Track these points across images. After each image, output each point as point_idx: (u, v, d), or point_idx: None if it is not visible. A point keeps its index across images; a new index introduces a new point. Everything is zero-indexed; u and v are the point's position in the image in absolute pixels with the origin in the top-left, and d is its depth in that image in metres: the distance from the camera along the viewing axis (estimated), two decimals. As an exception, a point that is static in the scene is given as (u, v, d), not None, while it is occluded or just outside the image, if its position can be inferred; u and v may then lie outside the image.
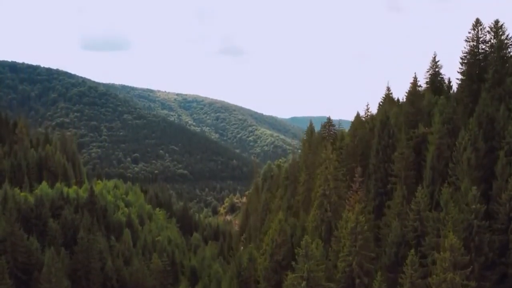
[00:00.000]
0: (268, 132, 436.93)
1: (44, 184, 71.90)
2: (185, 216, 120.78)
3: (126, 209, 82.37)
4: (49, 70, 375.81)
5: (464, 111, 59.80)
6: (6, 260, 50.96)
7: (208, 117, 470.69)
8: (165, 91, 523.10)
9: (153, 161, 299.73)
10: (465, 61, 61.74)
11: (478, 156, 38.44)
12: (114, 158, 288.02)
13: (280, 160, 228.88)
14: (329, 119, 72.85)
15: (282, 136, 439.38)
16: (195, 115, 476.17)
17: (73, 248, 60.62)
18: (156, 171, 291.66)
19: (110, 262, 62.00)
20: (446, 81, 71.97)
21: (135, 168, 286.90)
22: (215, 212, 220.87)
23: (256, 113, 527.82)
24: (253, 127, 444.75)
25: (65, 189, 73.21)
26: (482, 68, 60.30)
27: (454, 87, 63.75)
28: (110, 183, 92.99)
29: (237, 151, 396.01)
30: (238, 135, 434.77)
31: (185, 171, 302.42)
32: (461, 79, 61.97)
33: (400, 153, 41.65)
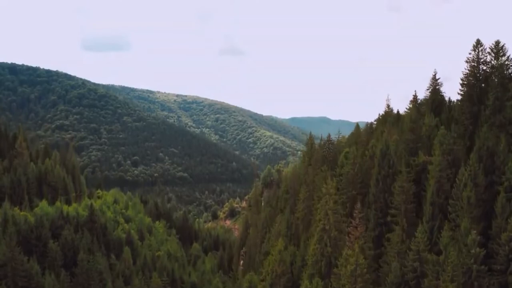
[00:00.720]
0: (268, 133, 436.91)
1: (43, 202, 71.84)
2: (185, 226, 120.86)
3: (126, 225, 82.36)
4: (48, 71, 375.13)
5: (465, 132, 60.00)
6: (7, 285, 50.97)
7: (207, 119, 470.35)
8: (164, 92, 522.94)
9: (153, 164, 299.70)
10: (465, 83, 61.88)
11: (478, 192, 38.46)
12: (114, 161, 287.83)
13: (280, 164, 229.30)
14: (328, 137, 72.78)
15: (281, 138, 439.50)
16: (194, 116, 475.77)
17: (74, 270, 60.55)
18: (155, 174, 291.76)
19: (110, 283, 62.03)
20: (447, 97, 72.52)
21: (135, 171, 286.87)
22: (215, 216, 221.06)
23: (255, 114, 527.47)
24: (253, 128, 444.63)
25: (65, 207, 73.15)
26: (482, 90, 60.43)
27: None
28: (110, 197, 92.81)
29: (237, 152, 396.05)
30: (238, 137, 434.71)
31: (185, 174, 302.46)
32: (461, 100, 62.16)
33: (400, 186, 41.65)
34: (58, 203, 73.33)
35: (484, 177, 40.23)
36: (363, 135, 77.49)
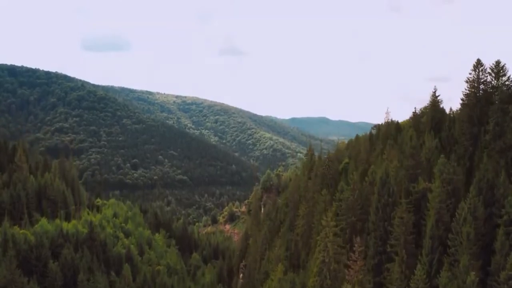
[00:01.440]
0: (268, 135, 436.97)
1: (43, 220, 71.85)
2: (185, 235, 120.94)
3: (125, 239, 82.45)
4: (48, 73, 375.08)
5: (464, 153, 60.04)
6: (7, 308, 51.01)
7: (207, 120, 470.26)
8: (164, 93, 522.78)
9: (152, 167, 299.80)
10: (466, 103, 61.91)
11: (478, 226, 38.50)
12: (113, 164, 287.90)
13: (279, 169, 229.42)
14: (328, 156, 72.72)
15: (281, 139, 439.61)
16: (194, 117, 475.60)
17: (73, 290, 60.70)
18: (155, 177, 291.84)
19: (110, 302, 62.15)
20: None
21: (134, 174, 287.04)
22: (214, 221, 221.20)
23: (255, 115, 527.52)
24: (252, 130, 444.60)
25: (65, 225, 73.18)
26: (483, 111, 60.44)
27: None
28: (109, 211, 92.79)
29: (236, 154, 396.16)
30: (237, 138, 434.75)
31: (184, 177, 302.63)
32: (462, 121, 62.21)
33: (400, 217, 41.71)
34: (57, 221, 73.29)
35: (483, 209, 40.30)
36: (362, 150, 77.41)
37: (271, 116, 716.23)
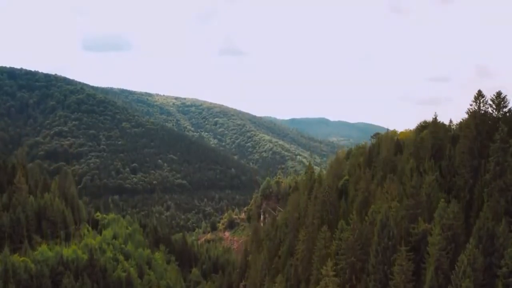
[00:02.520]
0: (267, 137, 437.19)
1: (43, 246, 71.96)
2: (184, 249, 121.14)
3: (125, 262, 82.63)
4: (47, 76, 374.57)
5: (465, 185, 60.13)
6: None
7: (206, 122, 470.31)
8: (163, 95, 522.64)
9: (152, 171, 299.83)
10: (466, 135, 61.99)
11: (477, 278, 38.62)
12: (112, 169, 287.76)
13: (279, 176, 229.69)
14: (329, 186, 72.76)
15: (280, 142, 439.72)
16: (193, 119, 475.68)
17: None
18: (154, 182, 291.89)
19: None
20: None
21: (134, 179, 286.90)
22: (214, 227, 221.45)
23: (254, 117, 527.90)
24: (252, 132, 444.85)
25: (65, 251, 73.29)
26: (483, 144, 60.51)
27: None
28: (109, 232, 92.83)
29: (236, 157, 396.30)
30: (237, 141, 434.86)
31: (184, 181, 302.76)
32: (462, 152, 62.29)
33: (399, 265, 41.80)
34: (57, 248, 73.39)
35: (483, 258, 40.42)
36: (363, 178, 77.19)
37: (270, 117, 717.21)
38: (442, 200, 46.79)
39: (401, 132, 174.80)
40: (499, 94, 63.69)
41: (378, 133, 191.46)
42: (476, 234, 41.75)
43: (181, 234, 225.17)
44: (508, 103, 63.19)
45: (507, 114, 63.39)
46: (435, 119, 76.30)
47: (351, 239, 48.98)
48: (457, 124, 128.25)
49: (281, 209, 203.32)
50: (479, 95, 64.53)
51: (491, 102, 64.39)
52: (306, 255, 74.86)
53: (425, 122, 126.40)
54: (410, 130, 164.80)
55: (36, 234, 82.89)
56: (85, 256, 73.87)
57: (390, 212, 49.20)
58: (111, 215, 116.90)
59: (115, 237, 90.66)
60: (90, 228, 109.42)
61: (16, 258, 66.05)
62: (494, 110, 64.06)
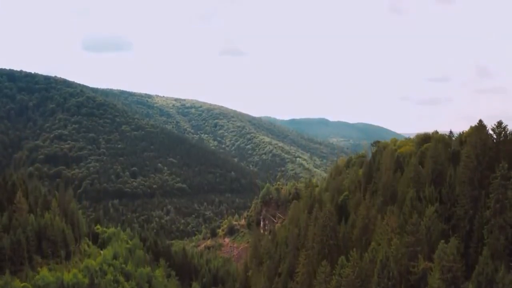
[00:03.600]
0: (267, 139, 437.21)
1: (44, 270, 72.03)
2: (184, 262, 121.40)
3: (126, 284, 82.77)
4: (47, 78, 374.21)
5: (465, 215, 60.28)
6: None
7: (206, 124, 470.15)
8: (163, 96, 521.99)
9: (152, 175, 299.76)
10: (467, 165, 62.04)
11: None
12: (112, 173, 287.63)
13: (279, 182, 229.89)
14: (329, 211, 72.81)
15: (280, 144, 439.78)
16: (193, 121, 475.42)
17: None
18: (154, 186, 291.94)
19: None
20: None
21: (134, 183, 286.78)
22: (213, 234, 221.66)
23: (254, 118, 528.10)
24: (252, 134, 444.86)
25: (66, 276, 73.36)
26: (483, 175, 60.57)
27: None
28: (109, 252, 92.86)
29: (236, 160, 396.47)
30: (237, 143, 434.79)
31: (184, 185, 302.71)
32: (462, 181, 62.38)
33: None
34: (58, 274, 73.47)
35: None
36: (363, 204, 77.04)
37: (270, 117, 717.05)
38: (442, 241, 46.67)
39: (402, 141, 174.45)
40: (500, 123, 63.82)
41: (378, 142, 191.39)
42: (475, 279, 41.83)
43: (181, 244, 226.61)
44: (509, 133, 63.51)
45: (508, 138, 63.77)
46: (436, 144, 76.06)
47: (351, 277, 49.03)
48: (457, 135, 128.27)
49: (281, 216, 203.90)
50: (480, 125, 64.65)
51: (492, 132, 64.77)
52: (306, 279, 75.12)
53: (425, 134, 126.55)
54: (410, 140, 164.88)
55: (37, 254, 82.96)
56: (86, 280, 73.96)
57: (390, 250, 49.20)
58: (111, 229, 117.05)
59: (115, 256, 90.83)
60: (90, 243, 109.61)
61: (17, 284, 66.12)
62: (495, 139, 64.38)
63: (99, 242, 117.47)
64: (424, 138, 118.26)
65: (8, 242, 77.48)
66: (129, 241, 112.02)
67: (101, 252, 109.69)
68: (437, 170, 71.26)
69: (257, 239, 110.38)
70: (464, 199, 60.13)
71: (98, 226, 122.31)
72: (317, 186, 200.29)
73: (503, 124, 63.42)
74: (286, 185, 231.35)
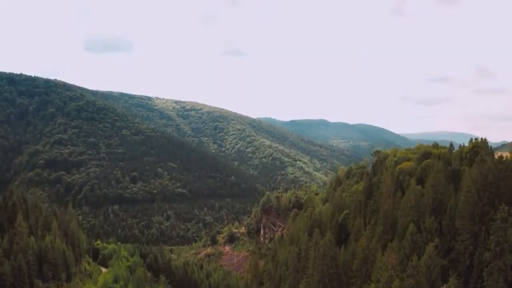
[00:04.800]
0: (267, 142, 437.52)
1: (45, 299, 72.38)
2: (185, 278, 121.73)
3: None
4: (47, 82, 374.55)
5: (465, 250, 60.45)
6: None
7: (206, 127, 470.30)
8: (163, 99, 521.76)
9: (152, 180, 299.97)
10: (468, 200, 62.19)
11: None
12: (112, 178, 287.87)
13: (279, 190, 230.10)
14: (329, 240, 72.78)
15: (280, 147, 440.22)
16: (193, 124, 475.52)
17: None
18: (154, 191, 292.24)
19: None
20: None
21: (134, 188, 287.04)
22: (214, 241, 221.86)
23: (254, 121, 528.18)
24: (252, 137, 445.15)
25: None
26: (484, 211, 60.72)
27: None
28: (109, 276, 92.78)
29: (236, 163, 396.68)
30: (237, 146, 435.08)
31: (184, 190, 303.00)
32: (462, 216, 62.52)
33: None
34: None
35: None
36: (363, 228, 77.46)
37: (270, 118, 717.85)
38: (444, 286, 46.81)
39: (402, 151, 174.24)
40: (500, 158, 63.98)
41: (378, 152, 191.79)
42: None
43: (182, 252, 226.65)
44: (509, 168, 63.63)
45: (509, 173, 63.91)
46: (437, 175, 75.82)
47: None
48: (457, 149, 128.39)
49: (281, 225, 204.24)
50: (481, 160, 64.75)
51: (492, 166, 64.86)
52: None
53: (426, 150, 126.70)
54: (410, 151, 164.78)
55: (38, 278, 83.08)
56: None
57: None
58: (111, 245, 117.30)
59: (115, 280, 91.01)
60: (90, 261, 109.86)
61: (17, 314, 66.41)
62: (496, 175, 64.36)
63: (100, 258, 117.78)
64: (424, 154, 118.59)
65: (9, 268, 77.62)
66: (129, 258, 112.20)
67: (102, 269, 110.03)
68: (437, 200, 71.36)
69: (257, 258, 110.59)
70: (464, 234, 60.29)
71: (99, 242, 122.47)
72: (317, 193, 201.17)
73: (503, 159, 63.70)
74: (286, 192, 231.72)
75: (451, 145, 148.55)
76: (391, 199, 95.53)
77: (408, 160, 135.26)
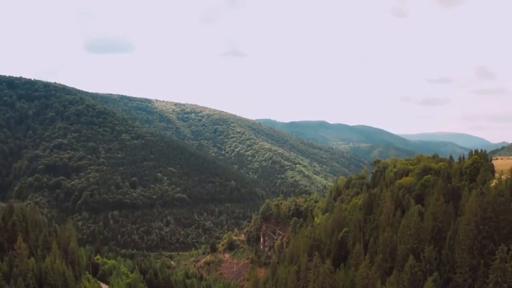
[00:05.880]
0: (267, 145, 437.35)
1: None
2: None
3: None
4: (46, 86, 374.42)
5: (464, 283, 60.56)
6: None
7: (206, 130, 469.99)
8: (163, 101, 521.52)
9: (152, 185, 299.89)
10: (467, 234, 62.33)
11: None
12: (112, 183, 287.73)
13: (278, 198, 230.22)
14: (329, 269, 72.83)
15: (280, 150, 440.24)
16: (193, 127, 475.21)
17: None
18: (154, 196, 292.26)
19: None
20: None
21: (133, 194, 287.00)
22: (213, 249, 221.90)
23: (254, 123, 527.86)
24: (252, 140, 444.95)
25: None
26: (483, 244, 60.85)
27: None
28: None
29: (235, 167, 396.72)
30: (236, 149, 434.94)
31: (183, 195, 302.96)
32: (462, 249, 62.68)
33: None
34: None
35: None
36: (363, 257, 77.50)
37: (270, 119, 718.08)
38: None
39: (401, 162, 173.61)
40: (500, 192, 64.01)
41: (378, 161, 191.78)
42: None
43: (182, 259, 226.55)
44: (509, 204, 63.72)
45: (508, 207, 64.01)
46: (438, 201, 75.87)
47: None
48: (457, 161, 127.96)
49: (281, 233, 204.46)
50: (481, 193, 64.78)
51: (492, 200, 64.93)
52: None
53: (425, 165, 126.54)
54: (410, 161, 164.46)
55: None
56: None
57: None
58: (111, 261, 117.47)
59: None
60: (90, 277, 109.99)
61: None
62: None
63: (99, 273, 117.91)
64: (424, 169, 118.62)
65: (9, 292, 77.72)
66: (129, 274, 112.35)
67: (101, 285, 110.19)
68: (437, 228, 71.49)
69: (257, 275, 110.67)
70: (463, 267, 60.55)
71: (98, 257, 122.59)
72: (316, 201, 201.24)
73: (501, 193, 63.78)
74: (286, 198, 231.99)
75: (451, 157, 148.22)
76: (390, 219, 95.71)
77: (408, 172, 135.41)
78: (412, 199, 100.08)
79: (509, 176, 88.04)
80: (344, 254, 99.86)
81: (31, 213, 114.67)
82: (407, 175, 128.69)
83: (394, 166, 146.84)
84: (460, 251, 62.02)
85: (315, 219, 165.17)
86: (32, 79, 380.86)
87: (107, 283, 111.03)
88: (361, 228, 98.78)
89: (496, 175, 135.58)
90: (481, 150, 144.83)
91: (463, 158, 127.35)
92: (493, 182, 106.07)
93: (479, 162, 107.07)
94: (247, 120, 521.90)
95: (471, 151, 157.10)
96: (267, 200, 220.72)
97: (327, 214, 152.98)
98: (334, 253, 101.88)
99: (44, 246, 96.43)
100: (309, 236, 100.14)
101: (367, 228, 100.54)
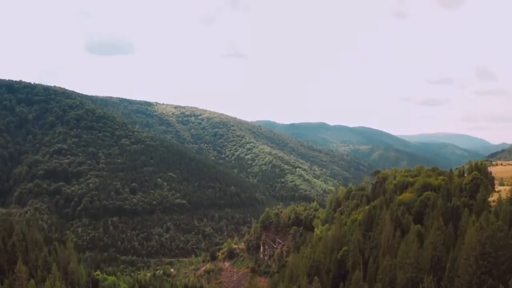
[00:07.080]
0: (267, 149, 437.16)
1: None
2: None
3: None
4: (46, 89, 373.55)
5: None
6: None
7: (206, 133, 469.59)
8: (163, 104, 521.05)
9: (151, 191, 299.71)
10: (466, 269, 62.60)
11: None
12: (112, 189, 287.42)
13: (278, 207, 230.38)
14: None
15: (280, 154, 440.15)
16: (193, 130, 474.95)
17: None
18: (154, 202, 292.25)
19: None
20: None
21: (133, 200, 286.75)
22: (213, 257, 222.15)
23: (254, 126, 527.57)
24: (251, 144, 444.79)
25: None
26: (481, 279, 61.09)
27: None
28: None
29: (235, 171, 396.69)
30: (236, 153, 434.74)
31: (183, 201, 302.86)
32: (461, 283, 62.93)
33: None
34: None
35: None
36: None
37: (270, 121, 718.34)
38: None
39: (401, 172, 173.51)
40: (500, 227, 64.17)
41: (378, 171, 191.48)
42: None
43: (181, 267, 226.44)
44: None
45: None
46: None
47: None
48: (457, 175, 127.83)
49: (281, 241, 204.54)
50: (480, 227, 64.89)
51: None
52: None
53: (425, 181, 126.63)
54: (409, 172, 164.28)
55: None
56: None
57: None
58: (111, 277, 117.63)
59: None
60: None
61: None
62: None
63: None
64: (424, 185, 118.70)
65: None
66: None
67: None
68: (436, 257, 71.73)
69: (256, 284, 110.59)
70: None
71: (98, 272, 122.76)
72: (316, 209, 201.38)
73: (500, 228, 63.96)
74: (286, 206, 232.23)
75: (451, 170, 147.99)
76: (390, 241, 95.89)
77: (408, 185, 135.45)
78: (411, 217, 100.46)
79: (509, 195, 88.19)
80: (343, 273, 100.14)
81: (30, 231, 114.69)
82: (406, 188, 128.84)
83: (394, 178, 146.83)
84: (459, 285, 62.25)
85: (315, 229, 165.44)
86: (32, 82, 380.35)
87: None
88: (360, 249, 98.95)
89: (496, 182, 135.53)
90: (481, 162, 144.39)
91: (463, 173, 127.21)
92: (493, 197, 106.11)
93: (479, 179, 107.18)
94: (247, 123, 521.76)
95: (471, 163, 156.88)
96: (267, 209, 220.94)
97: (326, 225, 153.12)
98: (333, 272, 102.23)
99: (44, 266, 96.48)
100: (308, 257, 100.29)
101: (367, 245, 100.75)
